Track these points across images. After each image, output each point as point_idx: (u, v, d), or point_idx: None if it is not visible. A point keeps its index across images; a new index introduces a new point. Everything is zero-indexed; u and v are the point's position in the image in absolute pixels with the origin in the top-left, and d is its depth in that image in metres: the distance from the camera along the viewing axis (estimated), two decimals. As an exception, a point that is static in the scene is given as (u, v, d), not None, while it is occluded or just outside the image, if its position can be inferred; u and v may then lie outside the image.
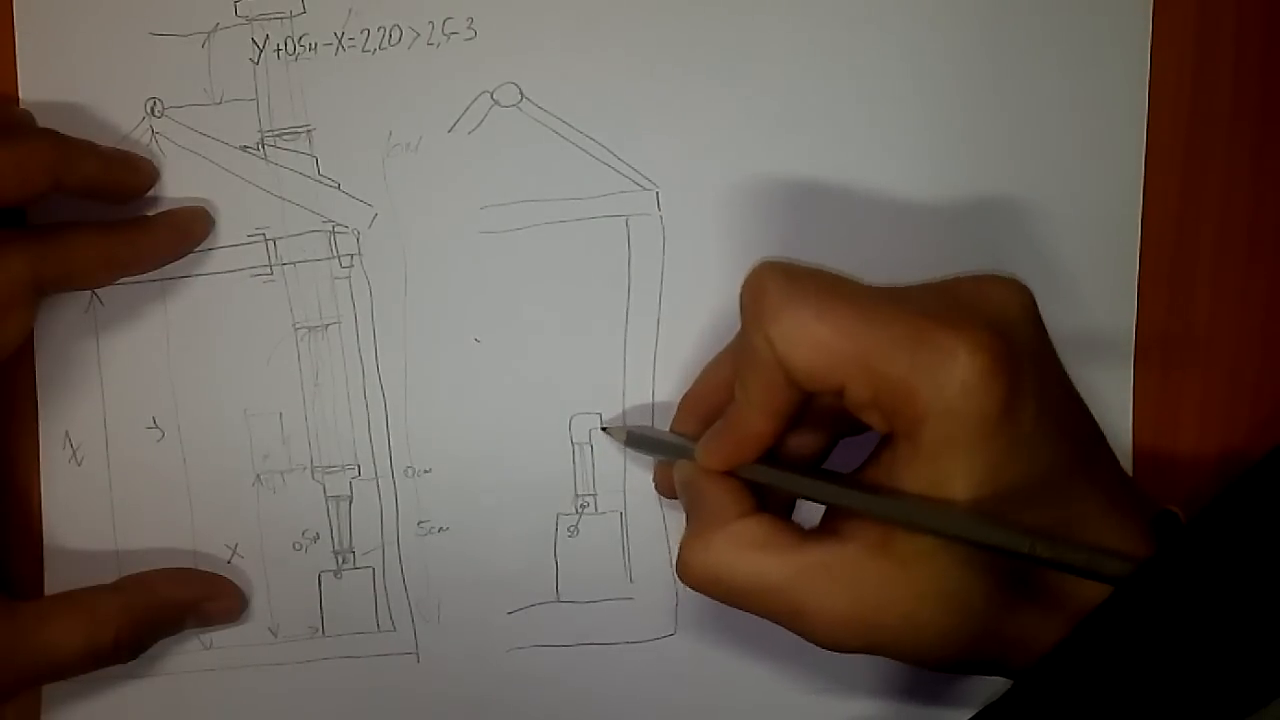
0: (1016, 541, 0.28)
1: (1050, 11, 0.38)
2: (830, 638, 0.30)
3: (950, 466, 0.28)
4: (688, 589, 0.38)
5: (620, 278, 0.39)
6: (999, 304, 0.30)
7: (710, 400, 0.35)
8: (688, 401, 0.37)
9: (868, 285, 0.30)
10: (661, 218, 0.38)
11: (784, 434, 0.32)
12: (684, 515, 0.33)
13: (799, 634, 0.30)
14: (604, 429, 0.38)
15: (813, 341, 0.29)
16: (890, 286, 0.30)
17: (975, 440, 0.28)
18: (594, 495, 0.39)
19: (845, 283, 0.30)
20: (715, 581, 0.31)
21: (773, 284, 0.30)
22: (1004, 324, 0.29)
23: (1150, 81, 0.38)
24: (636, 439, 0.37)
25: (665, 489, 0.37)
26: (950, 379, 0.28)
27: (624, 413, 0.39)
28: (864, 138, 0.38)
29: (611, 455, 0.39)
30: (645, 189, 0.38)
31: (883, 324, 0.29)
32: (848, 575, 0.29)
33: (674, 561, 0.38)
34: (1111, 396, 0.38)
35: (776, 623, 0.30)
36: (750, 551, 0.30)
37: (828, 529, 0.31)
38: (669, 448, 0.35)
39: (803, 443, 0.33)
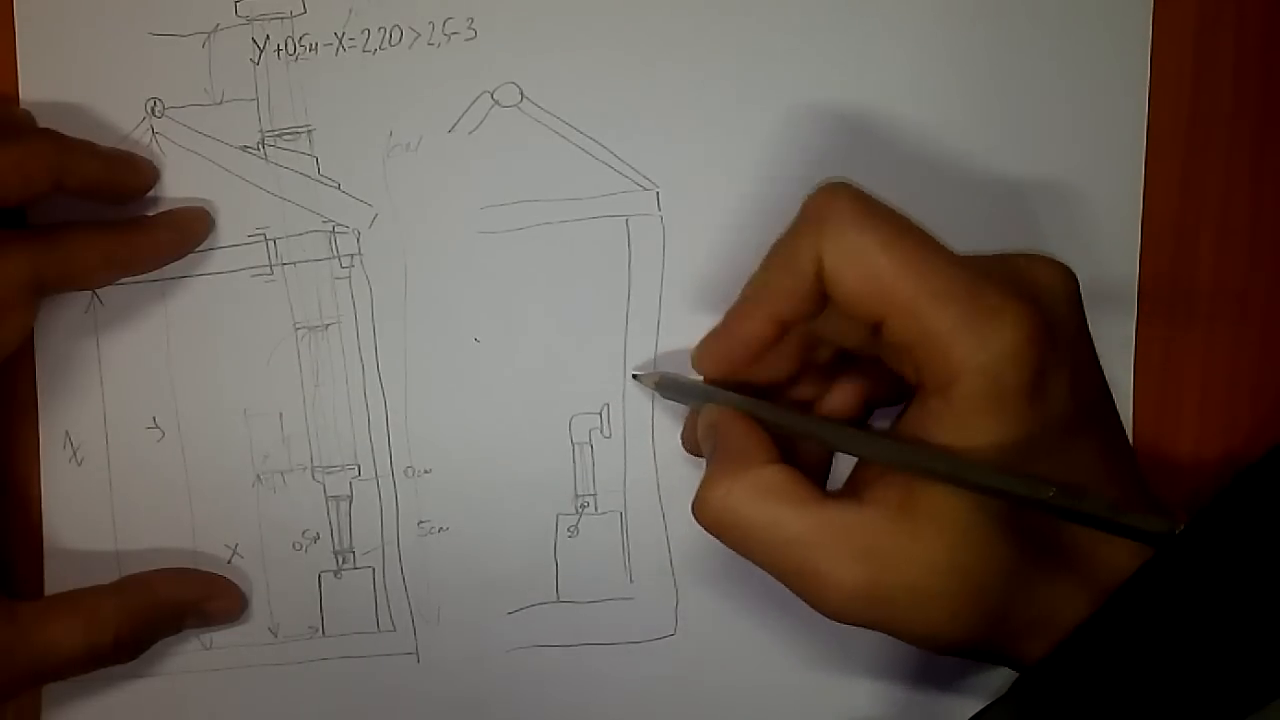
0: (1039, 489, 0.28)
1: (1051, 12, 0.38)
2: (836, 604, 0.30)
3: (979, 425, 0.29)
4: (687, 588, 0.39)
5: (620, 278, 0.39)
6: (1047, 283, 0.30)
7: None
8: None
9: (934, 237, 0.30)
10: (661, 218, 0.39)
11: (798, 387, 0.32)
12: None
13: (804, 596, 0.30)
14: (635, 376, 0.38)
15: (871, 268, 0.29)
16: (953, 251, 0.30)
17: (1006, 405, 0.28)
18: (594, 495, 0.39)
19: (915, 226, 0.30)
20: (730, 525, 0.31)
21: (845, 202, 0.30)
22: (1049, 302, 0.29)
23: (1150, 81, 0.38)
24: (667, 385, 0.36)
25: (691, 444, 0.37)
26: (996, 341, 0.28)
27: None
28: (865, 137, 0.38)
29: (611, 455, 0.39)
30: (645, 189, 0.38)
31: (942, 272, 0.29)
32: (863, 539, 0.29)
33: (675, 561, 0.39)
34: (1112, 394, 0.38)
35: (782, 581, 0.30)
36: (770, 500, 0.30)
37: (849, 492, 0.31)
38: (699, 393, 0.35)
39: (832, 405, 0.33)
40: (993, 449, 0.29)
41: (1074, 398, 0.29)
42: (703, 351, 0.33)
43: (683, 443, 0.38)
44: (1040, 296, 0.29)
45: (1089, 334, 0.31)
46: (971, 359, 0.28)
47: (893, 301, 0.29)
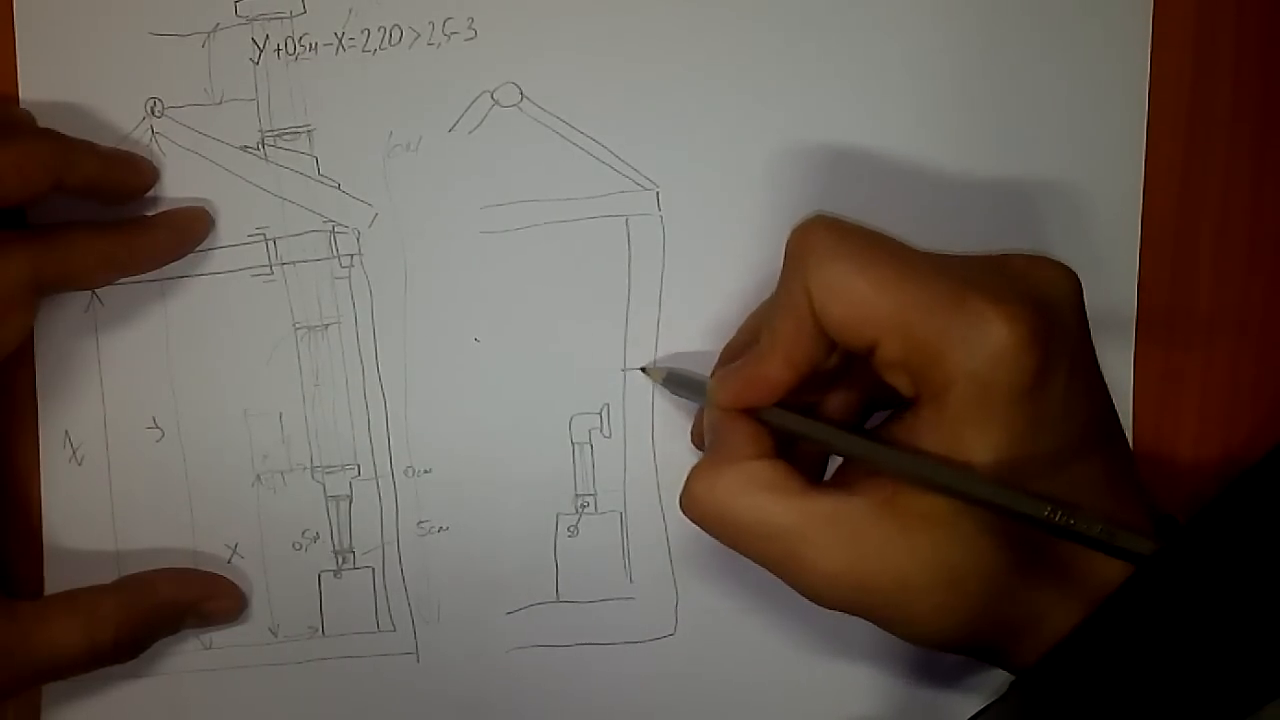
0: (1034, 507, 0.28)
1: (1050, 12, 0.38)
2: (822, 592, 0.30)
3: (971, 433, 0.28)
4: (687, 588, 0.39)
5: (620, 278, 0.39)
6: (1046, 284, 0.30)
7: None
8: (728, 352, 0.37)
9: (916, 248, 0.30)
10: (661, 218, 0.39)
11: (801, 388, 0.32)
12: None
13: (791, 584, 0.30)
14: (643, 369, 0.38)
15: (852, 295, 0.29)
16: (940, 253, 0.30)
17: (1000, 411, 0.28)
18: (594, 495, 0.39)
19: (893, 242, 0.30)
20: (717, 516, 0.31)
21: (820, 236, 0.30)
22: (1048, 303, 0.29)
23: (1150, 81, 0.38)
24: (674, 380, 0.36)
25: (700, 441, 0.37)
26: (984, 346, 0.28)
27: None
28: (865, 136, 0.38)
29: (611, 455, 0.39)
30: (645, 189, 0.38)
31: (924, 284, 0.29)
32: (849, 529, 0.29)
33: (675, 561, 0.39)
34: (1111, 395, 0.38)
35: (770, 569, 0.30)
36: (757, 491, 0.30)
37: (838, 482, 0.31)
38: (702, 390, 0.35)
39: (834, 406, 0.33)
40: (987, 460, 0.28)
41: (1074, 404, 0.29)
42: (725, 389, 0.32)
43: (693, 439, 0.38)
44: (1040, 299, 0.29)
45: (1089, 335, 0.30)
46: (963, 366, 0.28)
47: (879, 323, 0.29)
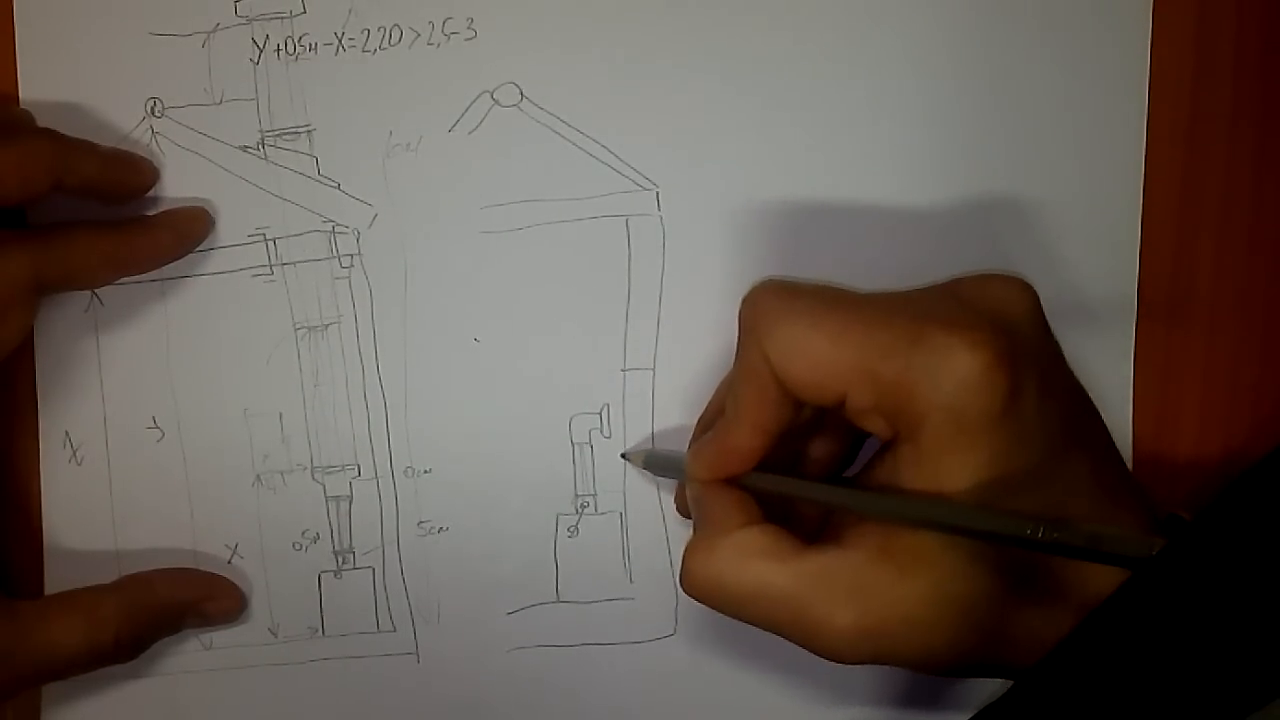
0: (1018, 526, 0.28)
1: (1050, 13, 0.38)
2: (834, 647, 0.29)
3: (952, 463, 0.28)
4: (687, 589, 0.39)
5: (620, 278, 0.39)
6: (1001, 302, 0.30)
7: None
8: (701, 425, 0.37)
9: (866, 294, 0.30)
10: (661, 218, 0.39)
11: (782, 442, 0.32)
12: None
13: (804, 645, 0.30)
14: (624, 456, 0.38)
15: (809, 353, 0.29)
16: (891, 292, 0.30)
17: (976, 437, 0.28)
18: (594, 495, 0.39)
19: (842, 293, 0.30)
20: (718, 590, 0.31)
21: (768, 299, 0.30)
22: (1006, 322, 0.29)
23: (1150, 82, 0.38)
24: (655, 462, 0.37)
25: (685, 510, 0.37)
26: (950, 376, 0.28)
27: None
28: (864, 138, 0.38)
29: (611, 455, 0.39)
30: (645, 189, 0.38)
31: (880, 327, 0.29)
32: (850, 582, 0.29)
33: (674, 561, 0.39)
34: (1111, 395, 0.38)
35: (780, 635, 0.30)
36: (753, 560, 0.30)
37: (831, 538, 0.31)
38: (681, 467, 0.35)
39: (820, 452, 0.33)
40: (970, 487, 0.28)
41: (1050, 415, 0.29)
42: (699, 462, 0.32)
43: (677, 509, 0.38)
44: (998, 318, 0.29)
45: (1057, 346, 0.30)
46: (933, 399, 0.28)
47: (843, 375, 0.29)
